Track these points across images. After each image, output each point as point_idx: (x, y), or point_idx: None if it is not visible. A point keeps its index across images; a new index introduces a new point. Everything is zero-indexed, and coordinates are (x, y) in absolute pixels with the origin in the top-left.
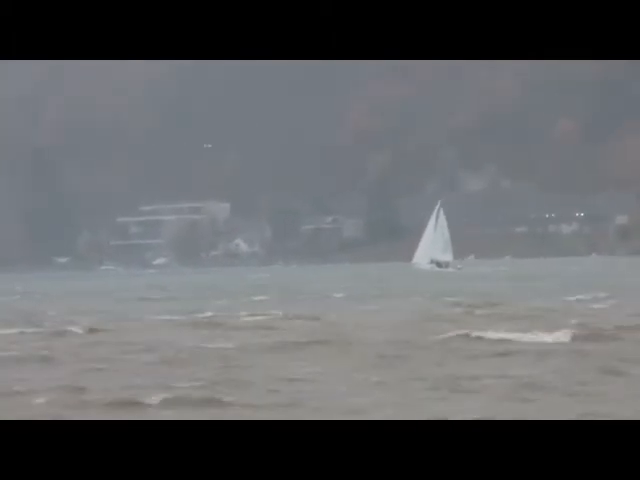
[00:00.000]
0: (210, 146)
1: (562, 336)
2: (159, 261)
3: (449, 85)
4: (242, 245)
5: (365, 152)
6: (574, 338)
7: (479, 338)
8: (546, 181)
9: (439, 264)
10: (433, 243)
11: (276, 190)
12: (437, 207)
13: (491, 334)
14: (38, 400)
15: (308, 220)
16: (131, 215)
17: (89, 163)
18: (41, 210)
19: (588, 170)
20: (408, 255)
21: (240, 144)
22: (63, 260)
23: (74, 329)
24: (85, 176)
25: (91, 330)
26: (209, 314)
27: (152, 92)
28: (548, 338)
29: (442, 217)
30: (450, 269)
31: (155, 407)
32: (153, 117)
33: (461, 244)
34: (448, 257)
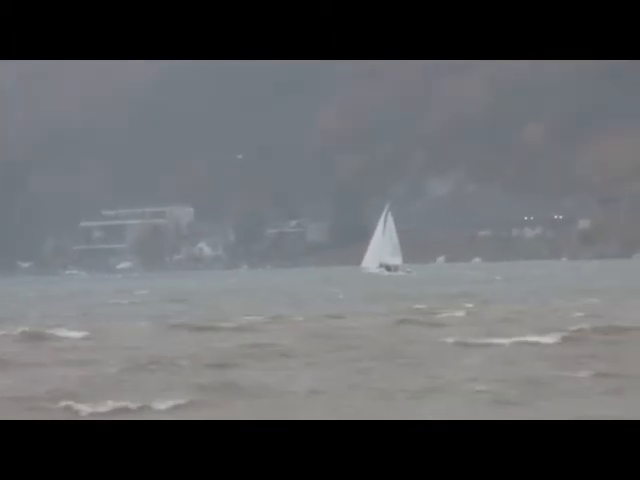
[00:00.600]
0: (241, 157)
1: (539, 339)
2: (123, 265)
3: (419, 88)
4: (206, 249)
5: (331, 155)
6: (553, 340)
7: (455, 342)
8: (516, 184)
9: (388, 268)
10: (382, 247)
11: (240, 194)
12: (385, 211)
13: (469, 338)
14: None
15: (272, 224)
16: (95, 219)
17: (53, 167)
18: (4, 214)
19: (554, 173)
20: None
21: (205, 148)
22: (26, 265)
23: (48, 332)
24: (49, 179)
25: (66, 334)
26: (182, 319)
27: (118, 94)
28: (526, 339)
29: (390, 221)
30: (400, 272)
31: (133, 411)
32: (119, 120)
33: (430, 247)
34: (397, 261)
